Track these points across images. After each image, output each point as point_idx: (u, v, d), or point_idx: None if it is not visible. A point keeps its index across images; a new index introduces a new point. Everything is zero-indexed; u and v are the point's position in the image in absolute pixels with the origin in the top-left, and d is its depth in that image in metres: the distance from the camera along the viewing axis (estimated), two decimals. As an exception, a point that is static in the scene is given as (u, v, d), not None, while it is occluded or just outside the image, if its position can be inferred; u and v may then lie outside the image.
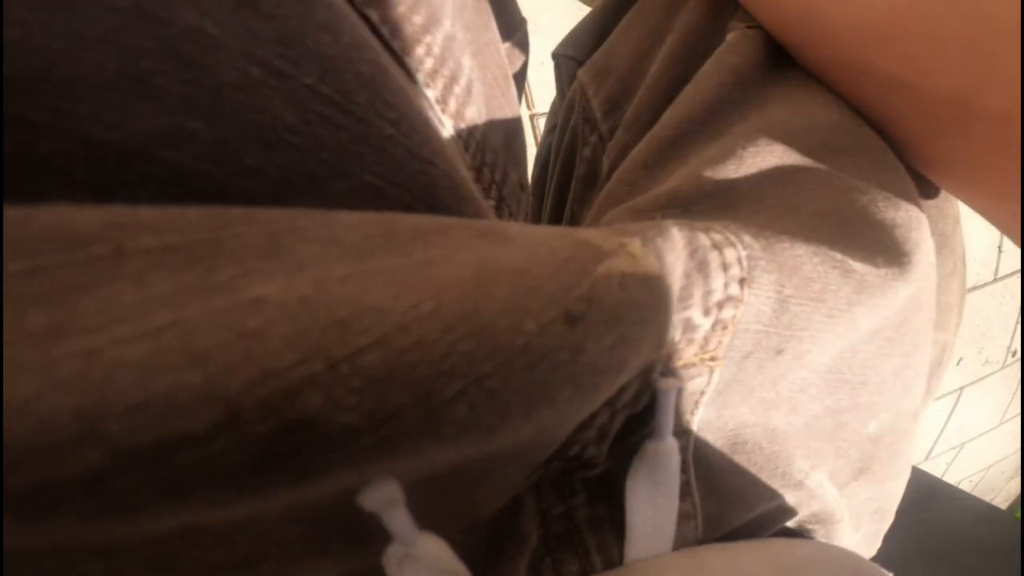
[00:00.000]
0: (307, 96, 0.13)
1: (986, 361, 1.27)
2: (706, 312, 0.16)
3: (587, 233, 0.13)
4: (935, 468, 1.33)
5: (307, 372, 0.09)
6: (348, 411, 0.09)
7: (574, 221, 0.31)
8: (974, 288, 1.16)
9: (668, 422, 0.15)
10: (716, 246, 0.16)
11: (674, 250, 0.15)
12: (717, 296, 0.16)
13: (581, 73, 0.30)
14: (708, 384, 0.17)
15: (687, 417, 0.17)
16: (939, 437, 1.30)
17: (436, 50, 0.17)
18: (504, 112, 0.21)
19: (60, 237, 0.09)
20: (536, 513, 0.16)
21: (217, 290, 0.09)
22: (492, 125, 0.20)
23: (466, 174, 0.17)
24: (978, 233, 1.12)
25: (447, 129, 0.17)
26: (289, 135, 0.13)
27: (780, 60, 0.24)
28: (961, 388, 1.27)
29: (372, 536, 0.11)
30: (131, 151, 0.11)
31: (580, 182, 0.30)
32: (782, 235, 0.18)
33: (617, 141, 0.26)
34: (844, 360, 0.19)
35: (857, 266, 0.18)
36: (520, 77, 0.29)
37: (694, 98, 0.23)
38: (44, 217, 0.09)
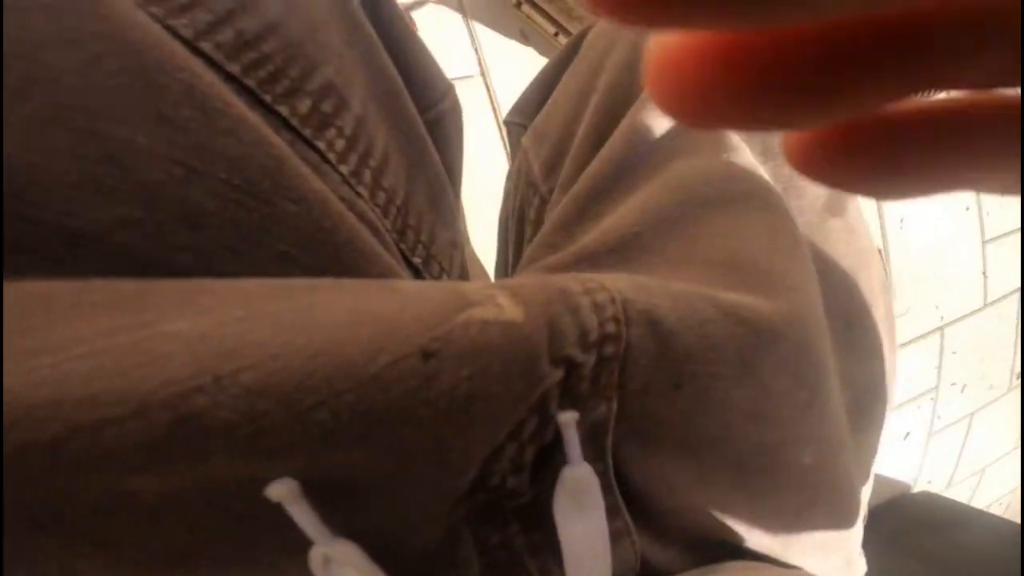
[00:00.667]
0: (221, 187, 0.16)
1: (991, 386, 1.25)
2: (585, 350, 0.17)
3: (467, 286, 0.16)
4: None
5: (198, 383, 0.13)
6: (226, 409, 0.13)
7: None
8: (967, 315, 1.16)
9: (576, 450, 0.17)
10: (587, 291, 0.17)
11: (546, 301, 0.16)
12: (593, 336, 0.17)
13: (524, 139, 0.31)
14: (609, 414, 0.18)
15: (600, 444, 0.18)
16: (957, 464, 1.27)
17: (347, 131, 0.19)
18: (427, 178, 0.22)
19: (38, 295, 0.13)
20: (474, 544, 0.18)
21: (142, 326, 0.13)
22: (414, 191, 0.22)
23: (371, 238, 0.19)
24: (960, 261, 1.13)
25: (364, 199, 0.20)
26: (210, 218, 0.16)
27: None
28: (971, 414, 1.25)
29: (301, 546, 0.14)
30: (93, 234, 0.15)
31: (529, 244, 0.30)
32: (666, 278, 0.19)
33: (554, 202, 0.27)
34: (755, 398, 0.20)
35: (736, 301, 0.19)
36: (458, 138, 0.31)
37: (606, 157, 0.23)
38: (28, 286, 0.13)
